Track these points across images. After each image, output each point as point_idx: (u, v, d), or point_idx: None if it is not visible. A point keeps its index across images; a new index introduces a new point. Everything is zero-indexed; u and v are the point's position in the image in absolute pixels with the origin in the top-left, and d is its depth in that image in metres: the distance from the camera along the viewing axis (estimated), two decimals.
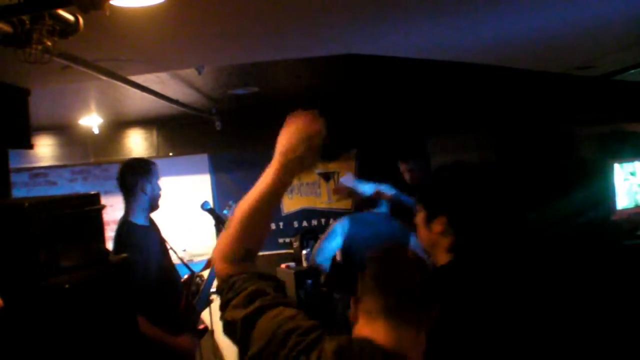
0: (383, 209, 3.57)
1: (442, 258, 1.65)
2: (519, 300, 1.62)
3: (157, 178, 3.06)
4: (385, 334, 1.21)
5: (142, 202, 3.04)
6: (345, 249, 3.58)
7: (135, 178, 3.00)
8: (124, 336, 1.97)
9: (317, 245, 3.63)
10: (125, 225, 3.02)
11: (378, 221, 3.52)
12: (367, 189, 3.23)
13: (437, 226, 1.65)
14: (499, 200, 1.68)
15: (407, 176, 3.99)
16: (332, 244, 3.55)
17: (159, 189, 3.07)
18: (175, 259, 3.33)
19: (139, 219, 3.05)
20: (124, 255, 2.20)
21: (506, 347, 1.56)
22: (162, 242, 3.19)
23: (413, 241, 3.40)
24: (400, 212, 3.55)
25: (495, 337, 1.54)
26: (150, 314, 2.77)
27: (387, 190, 3.24)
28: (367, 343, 1.20)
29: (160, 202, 3.13)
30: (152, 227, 3.16)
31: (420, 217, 1.73)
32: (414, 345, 1.23)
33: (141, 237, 2.98)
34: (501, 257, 1.72)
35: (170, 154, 5.54)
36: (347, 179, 3.35)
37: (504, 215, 1.72)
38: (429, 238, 1.70)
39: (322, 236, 3.63)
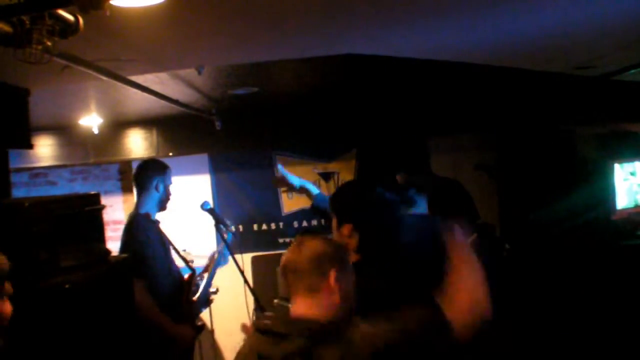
0: (420, 208, 3.44)
1: (352, 257, 1.93)
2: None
3: (170, 181, 3.26)
4: (298, 307, 1.63)
5: (153, 200, 3.27)
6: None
7: (152, 176, 3.23)
8: (123, 336, 1.97)
9: None
10: (136, 218, 3.16)
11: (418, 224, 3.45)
12: (295, 181, 3.20)
13: (345, 230, 2.04)
14: (391, 208, 2.08)
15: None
16: None
17: (170, 192, 3.27)
18: (178, 259, 3.38)
19: (151, 214, 3.30)
20: (124, 255, 2.21)
21: None
22: (165, 239, 3.28)
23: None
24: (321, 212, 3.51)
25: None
26: (157, 302, 2.86)
27: (312, 188, 3.15)
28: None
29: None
30: (158, 224, 3.28)
31: (333, 223, 2.12)
32: (320, 309, 1.61)
33: (151, 230, 3.11)
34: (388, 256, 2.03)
35: (170, 154, 5.53)
36: (281, 169, 3.32)
37: (395, 222, 2.10)
38: (340, 240, 2.05)
39: None
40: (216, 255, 3.38)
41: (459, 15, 2.39)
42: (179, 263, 3.48)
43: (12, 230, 1.67)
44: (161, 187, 3.25)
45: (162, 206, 3.30)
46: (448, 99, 5.17)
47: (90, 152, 5.46)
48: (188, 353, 3.21)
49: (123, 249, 3.02)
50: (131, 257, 2.23)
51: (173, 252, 3.42)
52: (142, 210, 3.21)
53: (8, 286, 1.49)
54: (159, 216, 3.43)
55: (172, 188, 3.33)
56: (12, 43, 1.63)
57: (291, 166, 6.10)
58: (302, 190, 3.05)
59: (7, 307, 1.49)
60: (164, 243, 3.25)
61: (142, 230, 3.14)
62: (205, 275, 3.35)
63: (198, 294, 3.26)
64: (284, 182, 3.17)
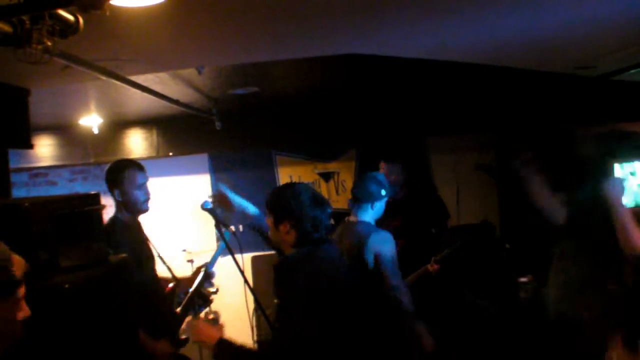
0: (359, 215, 3.48)
1: (288, 250, 2.36)
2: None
3: (130, 184, 3.03)
4: None
5: (119, 204, 3.08)
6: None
7: (109, 184, 3.07)
8: (123, 336, 1.97)
9: None
10: (110, 221, 3.05)
11: (345, 230, 3.48)
12: (236, 200, 3.23)
13: (283, 228, 2.30)
14: (323, 206, 2.34)
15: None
16: None
17: (135, 196, 3.04)
18: (161, 267, 3.28)
19: (126, 218, 3.10)
20: (124, 255, 2.21)
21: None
22: (144, 244, 3.15)
23: (371, 241, 3.31)
24: None
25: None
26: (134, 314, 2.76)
27: (251, 208, 3.21)
28: None
29: (151, 204, 3.13)
30: (137, 228, 3.16)
31: (270, 220, 2.38)
32: None
33: (122, 234, 2.99)
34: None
35: (170, 153, 5.53)
36: (222, 187, 3.34)
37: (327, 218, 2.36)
38: (277, 236, 2.37)
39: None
40: (202, 271, 3.21)
41: (459, 15, 2.39)
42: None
43: (12, 230, 1.67)
44: (116, 194, 3.04)
45: (131, 211, 3.09)
46: (448, 99, 5.17)
47: (90, 152, 5.46)
48: None
49: None
50: None
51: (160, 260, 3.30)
52: (118, 212, 3.11)
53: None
54: (156, 215, 3.34)
55: (138, 189, 3.09)
56: (12, 43, 1.63)
57: (291, 166, 6.11)
58: (240, 209, 3.12)
59: (25, 311, 1.47)
60: (134, 250, 3.07)
61: (114, 234, 3.03)
62: (190, 289, 3.21)
63: (181, 307, 3.12)
64: (224, 200, 3.19)
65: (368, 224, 3.45)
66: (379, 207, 3.48)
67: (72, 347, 1.69)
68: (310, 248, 2.31)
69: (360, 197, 3.46)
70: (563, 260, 3.10)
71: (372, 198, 3.44)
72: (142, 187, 3.10)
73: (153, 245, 3.25)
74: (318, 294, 2.24)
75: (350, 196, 3.67)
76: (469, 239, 4.29)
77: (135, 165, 3.15)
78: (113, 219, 3.08)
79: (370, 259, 3.27)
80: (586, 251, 2.97)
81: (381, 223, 3.55)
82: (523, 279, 4.34)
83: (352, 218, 3.51)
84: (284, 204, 2.33)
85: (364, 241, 3.29)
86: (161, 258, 3.28)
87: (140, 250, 3.12)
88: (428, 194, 4.92)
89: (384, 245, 3.30)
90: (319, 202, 2.36)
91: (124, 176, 3.05)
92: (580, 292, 2.90)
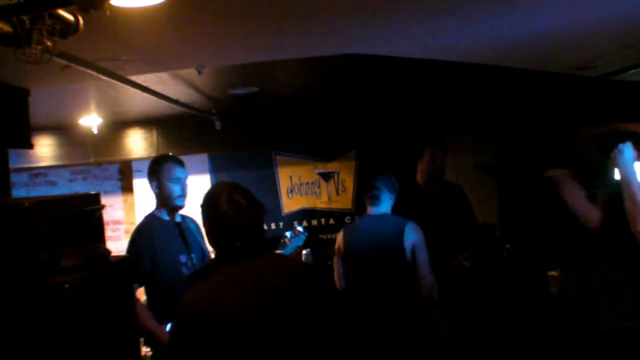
0: (382, 208, 3.54)
1: None
2: None
3: (166, 177, 3.13)
4: None
5: (156, 199, 3.18)
6: (346, 258, 3.58)
7: (148, 176, 3.18)
8: (123, 336, 1.97)
9: None
10: (142, 220, 3.18)
11: (372, 224, 3.50)
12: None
13: None
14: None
15: (428, 166, 4.03)
16: None
17: (169, 189, 3.12)
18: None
19: (161, 213, 3.18)
20: (124, 255, 2.21)
21: None
22: (185, 238, 3.19)
23: (408, 230, 3.39)
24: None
25: None
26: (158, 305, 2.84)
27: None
28: None
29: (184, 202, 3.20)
30: (176, 223, 3.20)
31: None
32: None
33: (149, 228, 3.08)
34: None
35: (170, 154, 5.53)
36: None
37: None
38: None
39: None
40: None
41: (459, 15, 2.39)
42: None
43: (12, 230, 1.67)
44: (153, 187, 3.17)
45: (165, 204, 3.16)
46: (448, 99, 5.17)
47: (90, 152, 5.46)
48: None
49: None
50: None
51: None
52: (153, 211, 3.21)
53: None
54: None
55: (173, 183, 3.18)
56: (12, 43, 1.63)
57: (291, 166, 6.11)
58: None
59: None
60: (169, 244, 3.13)
61: (134, 232, 3.14)
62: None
63: None
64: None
65: (396, 215, 3.51)
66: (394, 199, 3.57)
67: (72, 347, 1.69)
68: (212, 265, 1.99)
69: (387, 189, 3.50)
70: (594, 266, 2.94)
71: (395, 189, 3.53)
72: (178, 181, 3.16)
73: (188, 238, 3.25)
74: (187, 326, 1.83)
75: (351, 196, 3.70)
76: (494, 237, 4.34)
77: (174, 159, 3.24)
78: (150, 216, 3.17)
79: (408, 248, 3.36)
80: (623, 258, 2.78)
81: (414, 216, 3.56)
82: (552, 273, 4.30)
83: (374, 210, 3.53)
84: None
85: (402, 231, 3.37)
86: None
87: (176, 251, 3.13)
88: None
89: (418, 234, 3.40)
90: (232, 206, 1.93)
91: (162, 168, 3.15)
92: (615, 301, 2.76)
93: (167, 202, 3.15)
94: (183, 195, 3.17)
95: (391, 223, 3.46)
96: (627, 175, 2.64)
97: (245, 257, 1.92)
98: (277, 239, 3.56)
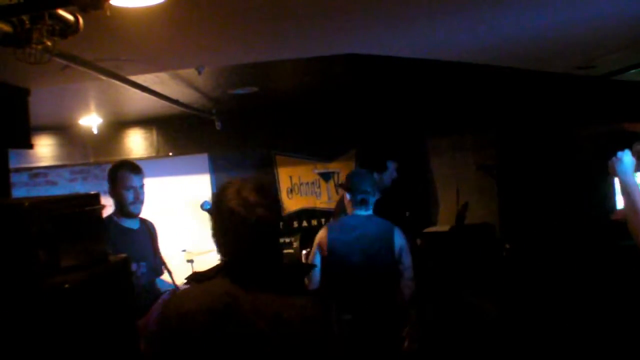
0: (369, 210, 3.50)
1: None
2: None
3: (120, 185, 3.09)
4: None
5: (114, 204, 3.16)
6: (329, 256, 3.48)
7: (108, 183, 3.17)
8: (123, 336, 1.97)
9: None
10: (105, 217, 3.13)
11: (361, 224, 3.46)
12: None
13: None
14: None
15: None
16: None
17: (122, 196, 3.11)
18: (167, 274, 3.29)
19: (119, 219, 3.17)
20: (124, 255, 2.21)
21: None
22: (139, 246, 3.17)
23: (397, 233, 3.42)
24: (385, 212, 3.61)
25: None
26: None
27: None
28: None
29: (144, 208, 3.19)
30: (130, 230, 3.18)
31: None
32: None
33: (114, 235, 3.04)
34: None
35: (170, 154, 5.54)
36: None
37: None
38: None
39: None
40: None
41: (459, 15, 2.39)
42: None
43: (12, 230, 1.67)
44: (110, 194, 3.15)
45: (121, 211, 3.15)
46: (448, 99, 5.18)
47: (90, 152, 5.46)
48: None
49: None
50: None
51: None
52: (111, 214, 3.18)
53: None
54: (155, 215, 3.36)
55: (126, 190, 3.11)
56: (12, 43, 1.63)
57: (291, 166, 6.11)
58: None
59: None
60: (121, 251, 3.09)
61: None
62: None
63: None
64: None
65: (381, 218, 3.51)
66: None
67: (72, 347, 1.69)
68: (218, 269, 1.77)
69: (370, 191, 3.49)
70: None
71: (375, 191, 3.55)
72: (132, 189, 3.14)
73: (161, 256, 3.26)
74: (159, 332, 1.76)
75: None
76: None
77: (129, 166, 3.20)
78: (108, 219, 3.11)
79: (397, 250, 3.40)
80: None
81: None
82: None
83: (360, 211, 3.50)
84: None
85: (391, 233, 3.41)
86: (166, 267, 3.30)
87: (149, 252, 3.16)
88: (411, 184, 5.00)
89: (405, 239, 3.46)
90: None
91: (115, 176, 3.15)
92: None
93: (122, 209, 3.15)
94: (136, 202, 3.15)
95: (380, 225, 3.45)
96: (627, 184, 2.53)
97: (243, 274, 1.66)
98: (300, 269, 2.80)
